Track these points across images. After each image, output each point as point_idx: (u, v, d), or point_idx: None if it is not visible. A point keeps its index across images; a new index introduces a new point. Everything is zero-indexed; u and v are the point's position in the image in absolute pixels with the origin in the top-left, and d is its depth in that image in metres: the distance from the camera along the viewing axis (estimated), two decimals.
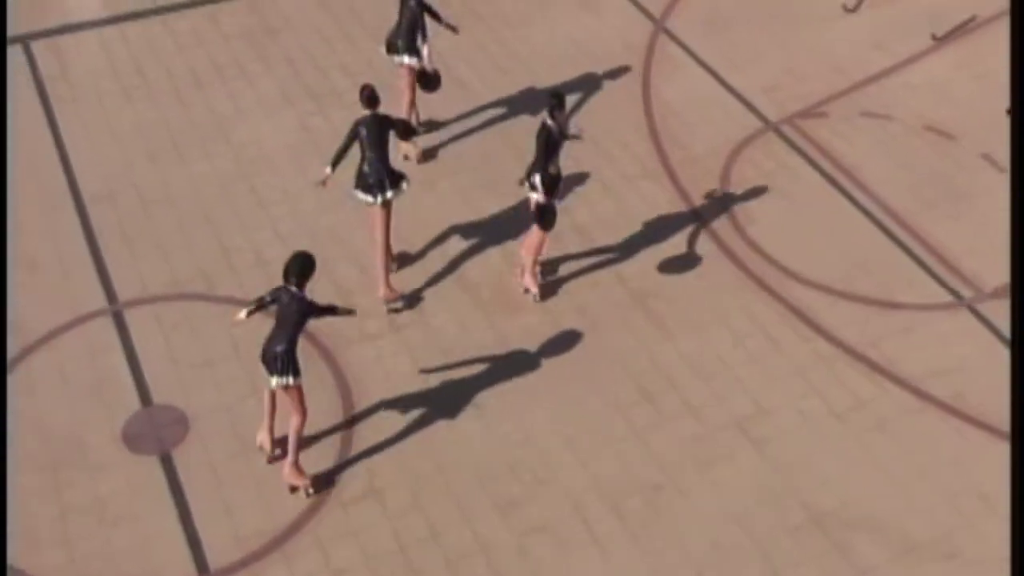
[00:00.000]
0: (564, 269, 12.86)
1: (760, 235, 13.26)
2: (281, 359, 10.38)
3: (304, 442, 10.92)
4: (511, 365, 11.90)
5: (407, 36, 13.83)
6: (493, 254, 13.03)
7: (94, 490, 10.74)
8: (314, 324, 11.80)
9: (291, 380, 10.44)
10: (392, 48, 13.94)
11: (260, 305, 10.57)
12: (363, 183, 12.15)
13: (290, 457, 10.75)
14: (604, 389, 11.67)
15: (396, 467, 10.99)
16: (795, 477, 10.94)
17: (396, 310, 12.42)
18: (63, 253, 12.90)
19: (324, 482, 10.82)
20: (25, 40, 15.98)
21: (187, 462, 10.99)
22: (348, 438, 11.24)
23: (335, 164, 11.93)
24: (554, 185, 12.21)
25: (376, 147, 12.03)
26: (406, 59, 13.84)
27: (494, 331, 12.24)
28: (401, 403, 11.54)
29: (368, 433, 11.26)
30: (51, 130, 14.58)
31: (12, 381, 11.59)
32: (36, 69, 15.54)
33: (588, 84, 15.31)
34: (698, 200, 13.67)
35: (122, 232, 13.17)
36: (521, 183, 12.24)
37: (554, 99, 12.04)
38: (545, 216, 12.26)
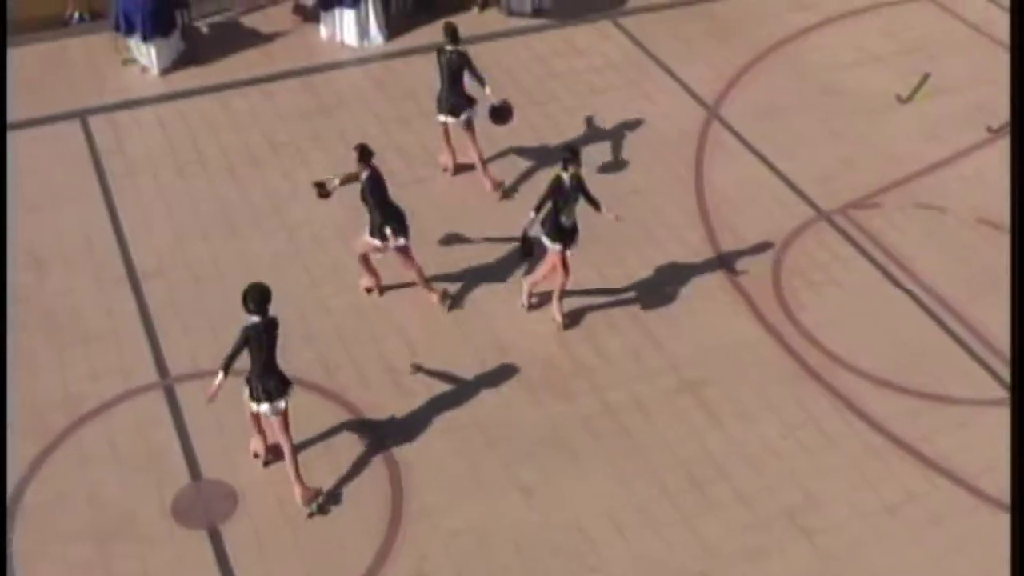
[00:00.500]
0: (614, 352, 13.09)
1: (812, 323, 13.44)
2: (277, 386, 11.26)
3: (352, 520, 11.18)
4: (558, 447, 12.09)
5: (453, 92, 14.66)
6: (543, 334, 13.29)
7: (143, 563, 10.97)
8: (361, 400, 12.20)
9: (283, 403, 11.29)
10: (444, 109, 14.81)
11: (234, 355, 11.13)
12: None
13: (296, 482, 11.42)
14: (652, 474, 11.83)
15: (442, 548, 11.16)
16: (846, 570, 11.01)
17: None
18: (117, 326, 13.26)
19: (372, 562, 11.04)
20: (83, 115, 16.52)
21: (235, 537, 11.21)
22: (395, 518, 11.43)
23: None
24: (563, 235, 13.00)
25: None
26: (452, 118, 14.82)
27: (542, 411, 12.45)
28: (448, 483, 11.74)
29: (415, 513, 11.45)
30: (106, 204, 15.04)
31: (64, 451, 11.91)
32: (93, 143, 16.04)
33: (641, 169, 15.63)
34: (749, 287, 13.90)
35: (174, 307, 13.54)
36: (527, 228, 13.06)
37: (568, 153, 12.91)
38: (523, 245, 13.14)
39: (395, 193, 14.56)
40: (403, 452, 12.01)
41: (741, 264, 14.20)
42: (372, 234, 13.20)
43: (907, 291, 13.90)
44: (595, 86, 17.15)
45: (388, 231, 13.07)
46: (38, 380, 12.63)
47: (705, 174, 15.61)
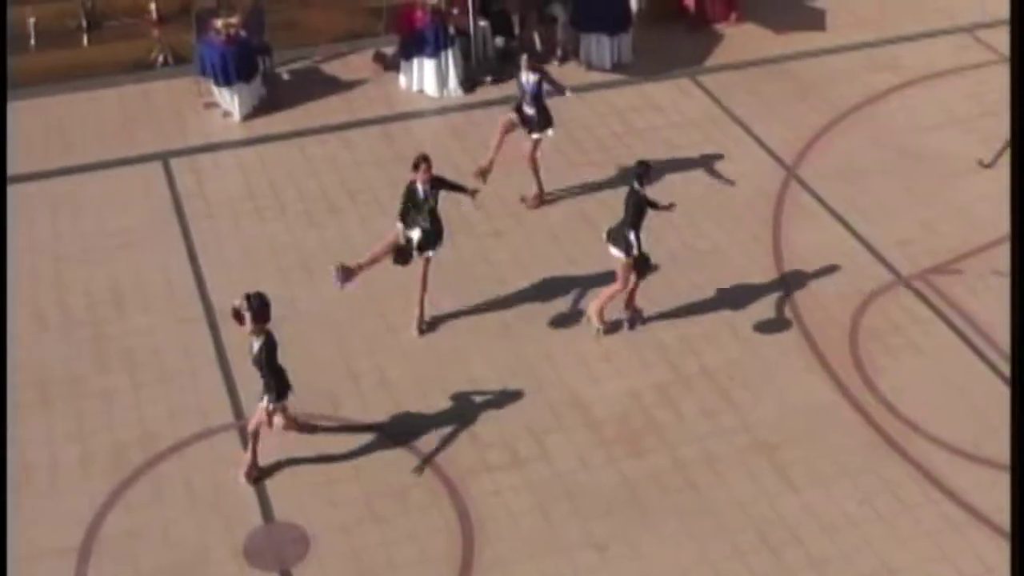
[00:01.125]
0: (688, 409, 13.24)
1: (889, 389, 13.52)
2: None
3: (422, 569, 11.41)
4: (631, 503, 12.24)
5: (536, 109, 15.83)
6: (619, 391, 13.47)
7: None
8: (434, 449, 12.49)
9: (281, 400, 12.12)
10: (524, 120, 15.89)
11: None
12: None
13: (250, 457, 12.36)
14: (725, 533, 11.94)
15: None
16: None
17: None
18: (195, 367, 13.63)
19: None
20: (165, 157, 17.06)
21: None
22: (466, 569, 11.58)
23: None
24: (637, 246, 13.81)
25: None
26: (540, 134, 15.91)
27: (615, 467, 12.62)
28: (521, 539, 11.90)
29: (486, 565, 11.62)
30: (186, 246, 15.50)
31: (140, 487, 12.26)
32: (174, 185, 16.56)
33: (718, 228, 15.84)
34: (826, 349, 14.00)
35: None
36: (608, 239, 13.84)
37: (641, 167, 13.73)
38: (640, 265, 13.84)
39: (472, 244, 15.13)
40: (476, 503, 12.22)
41: (818, 326, 14.32)
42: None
43: (987, 359, 13.97)
44: (673, 143, 17.44)
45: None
46: (116, 416, 13.02)
47: (783, 234, 15.79)
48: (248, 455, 12.40)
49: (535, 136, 15.98)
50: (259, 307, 11.81)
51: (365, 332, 14.14)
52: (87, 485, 12.25)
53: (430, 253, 13.98)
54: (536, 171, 16.16)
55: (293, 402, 12.39)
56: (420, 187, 13.83)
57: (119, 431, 12.83)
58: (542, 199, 16.25)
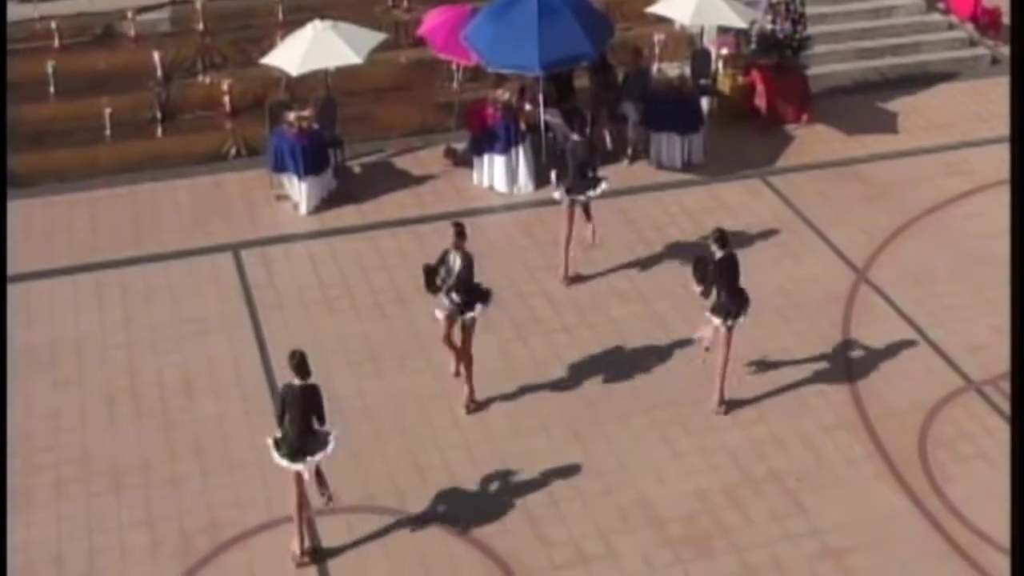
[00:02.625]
0: (756, 512, 13.52)
1: (959, 498, 13.74)
2: (312, 445, 12.57)
3: None
4: None
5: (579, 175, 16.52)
6: (685, 489, 13.79)
7: None
8: (501, 547, 12.87)
9: (318, 457, 12.60)
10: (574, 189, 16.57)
11: (281, 415, 12.64)
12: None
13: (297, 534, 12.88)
14: None
15: None
16: None
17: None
18: (262, 457, 13.95)
19: None
20: (236, 248, 17.76)
21: None
22: None
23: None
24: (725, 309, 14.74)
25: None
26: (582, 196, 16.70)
27: (683, 570, 12.90)
28: None
29: None
30: (256, 335, 16.10)
31: (205, 575, 12.70)
32: (244, 276, 17.23)
33: (788, 329, 16.22)
34: (895, 455, 14.27)
35: None
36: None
37: (719, 232, 14.68)
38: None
39: (542, 341, 15.60)
40: None
41: (888, 432, 14.61)
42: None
43: None
44: (743, 243, 17.73)
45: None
46: (184, 502, 13.53)
47: (853, 338, 16.13)
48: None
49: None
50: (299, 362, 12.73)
51: (433, 425, 14.60)
52: (155, 571, 12.72)
53: (468, 315, 14.55)
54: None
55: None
56: (452, 255, 14.61)
57: (187, 519, 13.32)
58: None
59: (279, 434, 12.64)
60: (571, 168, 16.82)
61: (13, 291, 16.87)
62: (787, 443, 14.44)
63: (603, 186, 16.85)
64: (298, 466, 12.58)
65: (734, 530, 13.31)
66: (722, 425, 14.63)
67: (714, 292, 14.69)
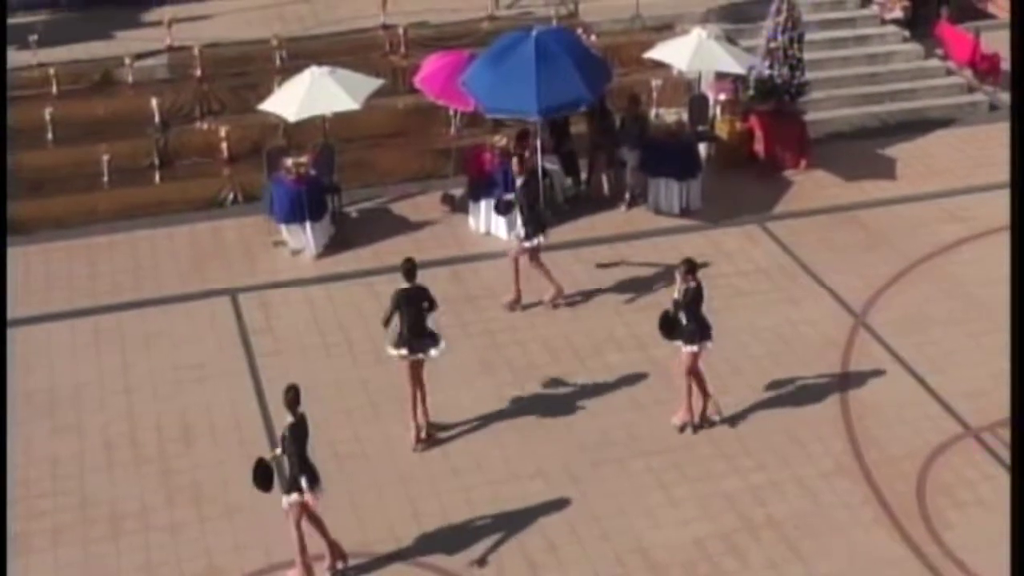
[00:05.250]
0: (753, 560, 13.79)
1: (957, 544, 13.99)
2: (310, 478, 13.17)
3: None
4: None
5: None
6: (683, 536, 14.05)
7: None
8: None
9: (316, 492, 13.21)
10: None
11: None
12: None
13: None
14: None
15: None
16: None
17: None
18: (259, 501, 14.30)
19: None
20: (234, 293, 18.14)
21: None
22: None
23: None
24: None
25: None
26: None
27: None
28: None
29: None
30: (253, 380, 16.47)
31: None
32: (242, 321, 17.61)
33: (785, 373, 16.54)
34: (893, 502, 14.55)
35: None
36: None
37: (688, 264, 15.38)
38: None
39: (539, 386, 15.98)
40: None
41: (886, 478, 14.89)
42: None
43: None
44: (741, 289, 18.30)
45: None
46: (183, 549, 13.82)
47: (850, 383, 16.46)
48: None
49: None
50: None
51: (430, 473, 14.91)
52: None
53: (420, 355, 15.21)
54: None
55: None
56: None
57: (185, 564, 13.61)
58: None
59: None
60: (526, 211, 17.57)
61: (12, 336, 17.26)
62: (785, 489, 14.73)
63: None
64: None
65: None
66: (719, 471, 14.94)
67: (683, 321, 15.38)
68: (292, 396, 13.08)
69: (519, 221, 17.64)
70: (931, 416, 15.88)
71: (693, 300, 15.31)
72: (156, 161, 21.01)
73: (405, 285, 15.08)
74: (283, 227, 19.29)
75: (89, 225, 19.95)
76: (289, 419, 13.09)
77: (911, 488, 14.75)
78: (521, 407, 15.91)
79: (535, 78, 19.08)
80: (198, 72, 22.31)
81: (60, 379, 16.57)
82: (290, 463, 13.10)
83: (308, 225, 19.12)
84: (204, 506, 14.42)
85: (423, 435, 15.31)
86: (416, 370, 15.19)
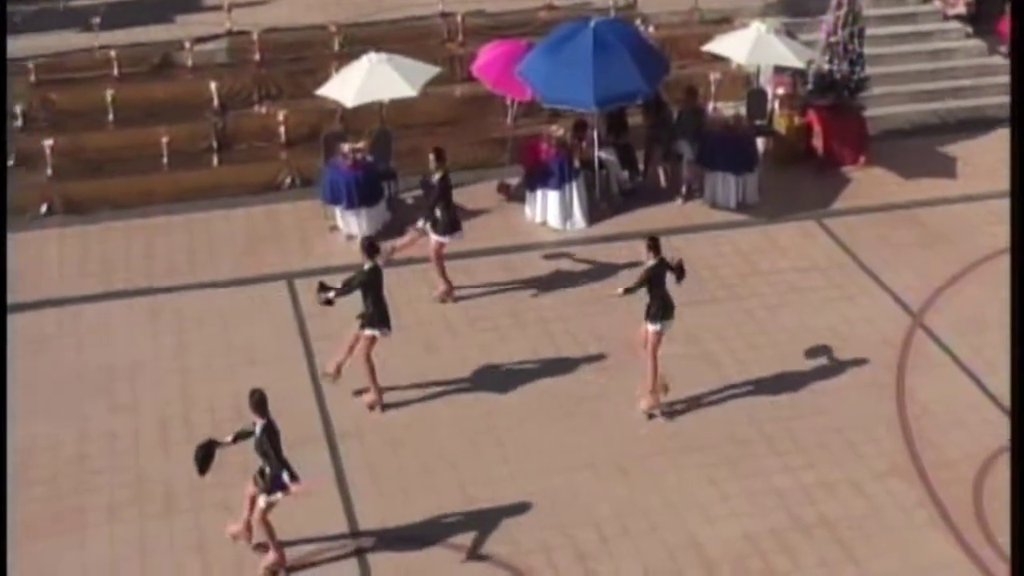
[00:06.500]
0: (805, 560, 13.67)
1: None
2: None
3: None
4: None
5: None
6: (734, 531, 13.99)
7: None
8: None
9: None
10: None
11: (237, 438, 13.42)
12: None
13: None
14: None
15: None
16: None
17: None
18: (313, 485, 14.37)
19: None
20: (290, 278, 18.19)
21: None
22: None
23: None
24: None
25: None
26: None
27: None
28: None
29: None
30: (308, 365, 16.50)
31: None
32: (298, 305, 17.65)
33: (841, 374, 16.41)
34: (948, 504, 14.41)
35: (369, 469, 14.76)
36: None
37: (650, 240, 15.44)
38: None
39: (591, 377, 15.88)
40: None
41: (941, 480, 14.75)
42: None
43: None
44: (797, 285, 18.16)
45: None
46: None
47: (907, 383, 16.32)
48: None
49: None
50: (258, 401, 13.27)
51: (481, 460, 14.91)
52: None
53: (366, 332, 15.54)
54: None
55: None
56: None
57: (238, 544, 13.65)
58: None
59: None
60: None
61: (70, 314, 17.52)
62: (837, 488, 14.61)
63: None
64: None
65: (784, 575, 13.52)
66: (771, 468, 14.82)
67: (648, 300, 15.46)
68: (259, 399, 13.12)
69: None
70: (989, 420, 15.70)
71: (653, 277, 15.34)
72: (214, 144, 21.11)
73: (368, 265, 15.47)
74: (338, 212, 19.35)
75: (147, 206, 20.06)
76: (260, 422, 13.08)
77: (967, 491, 14.59)
78: (572, 398, 15.87)
79: (592, 69, 19.04)
80: (257, 57, 22.38)
81: (117, 358, 16.69)
82: (270, 464, 13.08)
83: (363, 211, 19.20)
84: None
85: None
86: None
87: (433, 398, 15.94)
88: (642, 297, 15.36)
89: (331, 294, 15.44)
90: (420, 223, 17.67)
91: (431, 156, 17.62)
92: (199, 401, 15.85)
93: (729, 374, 16.30)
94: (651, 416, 15.54)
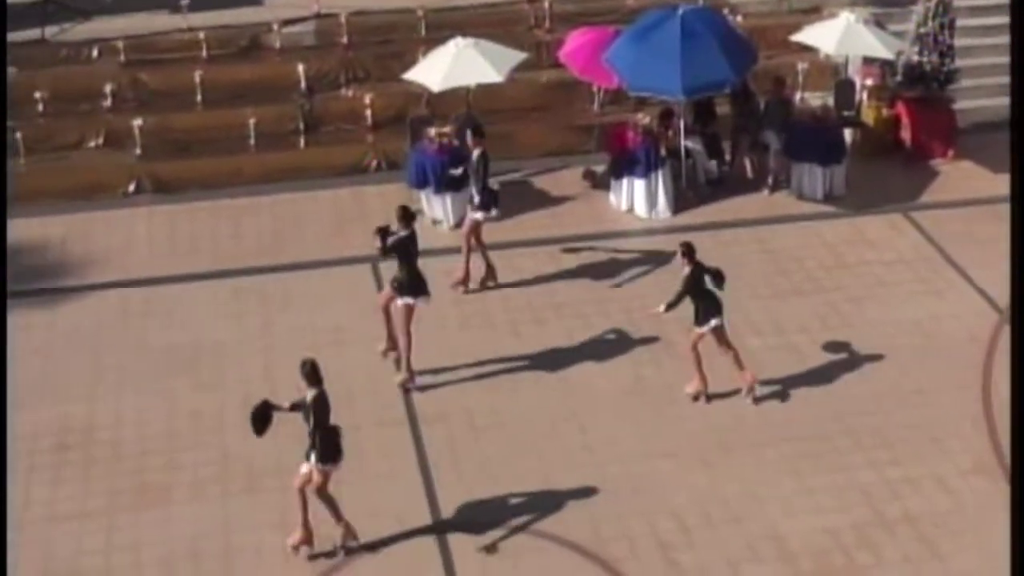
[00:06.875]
0: (889, 555, 13.50)
1: None
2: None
3: None
4: None
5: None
6: (816, 525, 13.85)
7: None
8: (632, 573, 13.08)
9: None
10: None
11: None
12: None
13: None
14: None
15: None
16: None
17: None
18: (395, 468, 14.58)
19: None
20: (374, 261, 17.95)
21: None
22: None
23: None
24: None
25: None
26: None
27: None
28: None
29: None
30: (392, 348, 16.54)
31: None
32: (382, 288, 17.44)
33: (926, 369, 16.20)
34: None
35: (452, 454, 14.79)
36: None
37: (685, 247, 15.39)
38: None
39: (675, 366, 15.89)
40: None
41: None
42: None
43: None
44: (883, 279, 17.95)
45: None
46: (319, 511, 13.74)
47: (993, 381, 16.04)
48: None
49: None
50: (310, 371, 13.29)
51: (564, 447, 14.90)
52: (288, 574, 13.21)
53: (399, 301, 15.64)
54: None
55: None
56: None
57: (321, 526, 13.65)
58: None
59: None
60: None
61: (158, 293, 17.74)
62: (922, 485, 14.43)
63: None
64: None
65: (866, 570, 13.35)
66: (855, 463, 14.67)
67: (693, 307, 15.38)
68: (310, 370, 13.11)
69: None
70: None
71: (692, 286, 15.29)
72: (301, 126, 21.26)
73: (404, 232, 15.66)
74: (424, 196, 19.40)
75: (234, 187, 20.27)
76: (312, 391, 13.09)
77: None
78: (656, 386, 15.80)
79: (679, 57, 18.91)
80: (344, 39, 22.50)
81: (202, 336, 16.87)
82: (318, 436, 13.10)
83: (448, 195, 19.24)
84: (339, 469, 14.43)
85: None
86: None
87: (517, 384, 15.95)
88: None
89: (378, 243, 15.57)
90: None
91: (468, 132, 17.84)
92: (283, 381, 15.85)
93: (814, 367, 16.14)
94: (696, 398, 15.54)
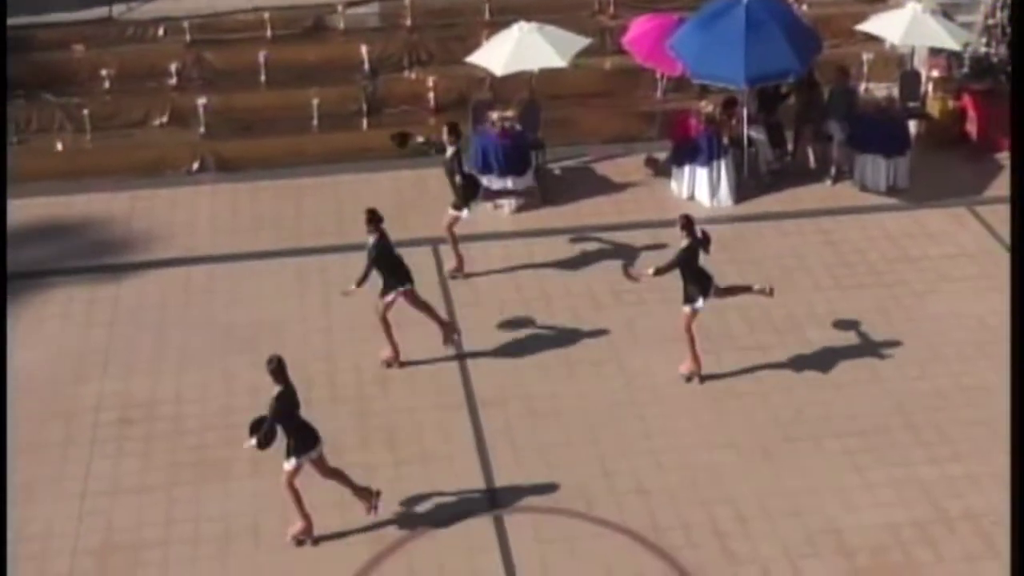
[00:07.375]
0: (950, 554, 13.30)
1: None
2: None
3: None
4: None
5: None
6: (875, 520, 13.71)
7: None
8: (689, 562, 13.03)
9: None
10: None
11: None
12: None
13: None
14: None
15: None
16: None
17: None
18: (453, 451, 14.56)
19: None
20: (435, 243, 18.20)
21: None
22: None
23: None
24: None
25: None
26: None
27: None
28: None
29: None
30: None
31: (393, 562, 13.15)
32: (442, 271, 17.74)
33: (990, 366, 15.96)
34: None
35: (509, 438, 14.75)
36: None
37: (685, 219, 15.33)
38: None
39: (736, 357, 15.86)
40: None
41: None
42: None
43: None
44: (946, 274, 17.72)
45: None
46: (319, 497, 13.74)
47: None
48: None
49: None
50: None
51: (622, 433, 14.83)
52: (346, 552, 13.24)
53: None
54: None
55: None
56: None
57: (380, 507, 13.73)
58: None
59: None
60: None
61: (220, 270, 17.82)
62: (983, 482, 14.23)
63: None
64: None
65: (925, 567, 13.18)
66: (916, 459, 14.50)
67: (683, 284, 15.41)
68: (276, 367, 13.08)
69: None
70: None
71: (685, 259, 15.26)
72: (364, 107, 21.28)
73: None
74: (486, 180, 19.30)
75: (296, 167, 20.31)
76: (277, 389, 13.08)
77: None
78: (715, 376, 15.68)
79: (744, 46, 18.74)
80: (408, 22, 22.51)
81: (263, 315, 16.92)
82: (285, 432, 13.14)
83: (510, 179, 19.15)
84: (398, 450, 14.56)
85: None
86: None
87: (576, 370, 15.88)
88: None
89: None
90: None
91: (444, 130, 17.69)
92: (342, 361, 16.00)
93: (876, 361, 15.95)
94: (688, 379, 15.49)
